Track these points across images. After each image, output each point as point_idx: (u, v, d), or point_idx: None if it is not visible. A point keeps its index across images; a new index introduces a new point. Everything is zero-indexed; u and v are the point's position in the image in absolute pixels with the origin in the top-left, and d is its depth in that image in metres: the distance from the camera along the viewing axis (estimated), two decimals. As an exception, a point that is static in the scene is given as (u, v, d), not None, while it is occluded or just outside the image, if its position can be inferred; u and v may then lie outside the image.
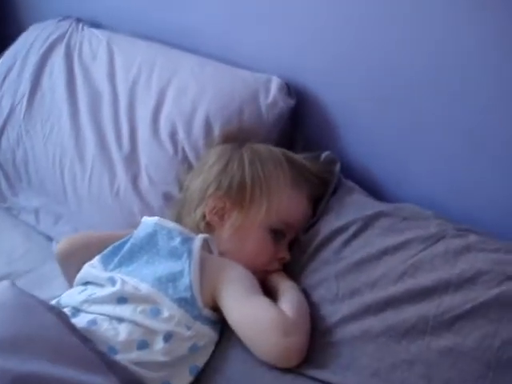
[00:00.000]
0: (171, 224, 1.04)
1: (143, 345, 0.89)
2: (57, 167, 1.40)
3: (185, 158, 1.24)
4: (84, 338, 0.86)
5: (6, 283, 0.91)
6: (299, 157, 1.15)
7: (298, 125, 1.29)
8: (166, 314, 0.92)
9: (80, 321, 0.91)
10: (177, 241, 1.00)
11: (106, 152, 1.34)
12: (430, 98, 1.06)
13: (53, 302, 0.99)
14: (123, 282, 0.96)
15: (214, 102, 1.24)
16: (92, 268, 1.03)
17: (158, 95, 1.32)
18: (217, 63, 1.35)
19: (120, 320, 0.92)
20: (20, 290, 0.90)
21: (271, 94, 1.23)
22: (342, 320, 0.90)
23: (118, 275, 0.98)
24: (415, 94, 1.08)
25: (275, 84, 1.24)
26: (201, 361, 0.94)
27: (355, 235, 1.00)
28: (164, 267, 0.97)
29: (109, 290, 0.96)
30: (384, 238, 0.97)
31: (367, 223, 1.01)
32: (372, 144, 1.19)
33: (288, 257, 1.07)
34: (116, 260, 1.02)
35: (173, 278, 0.95)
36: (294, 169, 1.11)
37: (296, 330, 0.88)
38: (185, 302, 0.93)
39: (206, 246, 1.02)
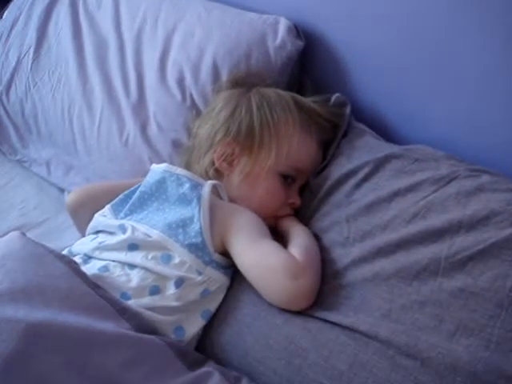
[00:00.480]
0: (180, 170, 1.03)
1: (155, 290, 0.90)
2: (66, 118, 1.40)
3: (193, 104, 1.23)
4: (95, 285, 0.86)
5: (15, 233, 0.91)
6: (308, 100, 1.13)
7: (307, 67, 1.26)
8: (177, 259, 0.93)
9: (91, 267, 0.92)
10: (186, 187, 1.00)
11: (114, 101, 1.33)
12: (441, 37, 1.03)
13: (64, 251, 1.00)
14: (134, 229, 0.96)
15: (221, 45, 1.22)
16: (102, 217, 1.03)
17: (164, 41, 1.30)
18: (224, 6, 1.32)
19: (132, 266, 0.92)
20: (29, 240, 0.90)
21: (279, 36, 1.20)
22: (353, 262, 0.90)
23: (128, 222, 0.98)
24: (425, 33, 1.05)
25: (283, 26, 1.21)
26: (213, 305, 0.95)
27: (366, 178, 0.99)
28: (174, 213, 0.97)
29: (119, 237, 0.96)
30: (395, 180, 0.96)
31: (378, 166, 0.99)
32: (382, 85, 1.17)
33: (298, 202, 1.07)
34: (126, 208, 1.02)
35: (183, 224, 0.95)
36: (303, 113, 1.09)
37: (305, 273, 0.88)
38: (195, 248, 0.93)
39: (215, 192, 1.02)
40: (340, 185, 1.01)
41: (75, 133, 1.38)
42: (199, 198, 0.98)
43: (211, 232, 0.95)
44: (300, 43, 1.22)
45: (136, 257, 0.93)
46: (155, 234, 0.95)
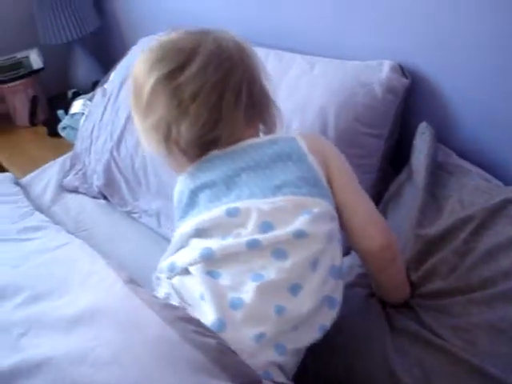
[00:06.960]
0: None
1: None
2: (174, 171, 1.43)
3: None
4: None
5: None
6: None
7: (412, 106, 1.27)
8: None
9: None
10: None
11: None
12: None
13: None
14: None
15: (327, 91, 1.25)
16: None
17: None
18: (326, 59, 1.35)
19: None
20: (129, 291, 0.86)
21: (384, 74, 1.23)
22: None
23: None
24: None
25: (387, 65, 1.24)
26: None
27: (484, 225, 1.00)
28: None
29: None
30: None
31: (495, 212, 1.00)
32: (486, 122, 1.16)
33: None
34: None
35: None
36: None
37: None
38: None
39: None
40: (457, 231, 1.01)
41: (184, 185, 1.41)
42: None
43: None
44: (405, 80, 1.23)
45: None
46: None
